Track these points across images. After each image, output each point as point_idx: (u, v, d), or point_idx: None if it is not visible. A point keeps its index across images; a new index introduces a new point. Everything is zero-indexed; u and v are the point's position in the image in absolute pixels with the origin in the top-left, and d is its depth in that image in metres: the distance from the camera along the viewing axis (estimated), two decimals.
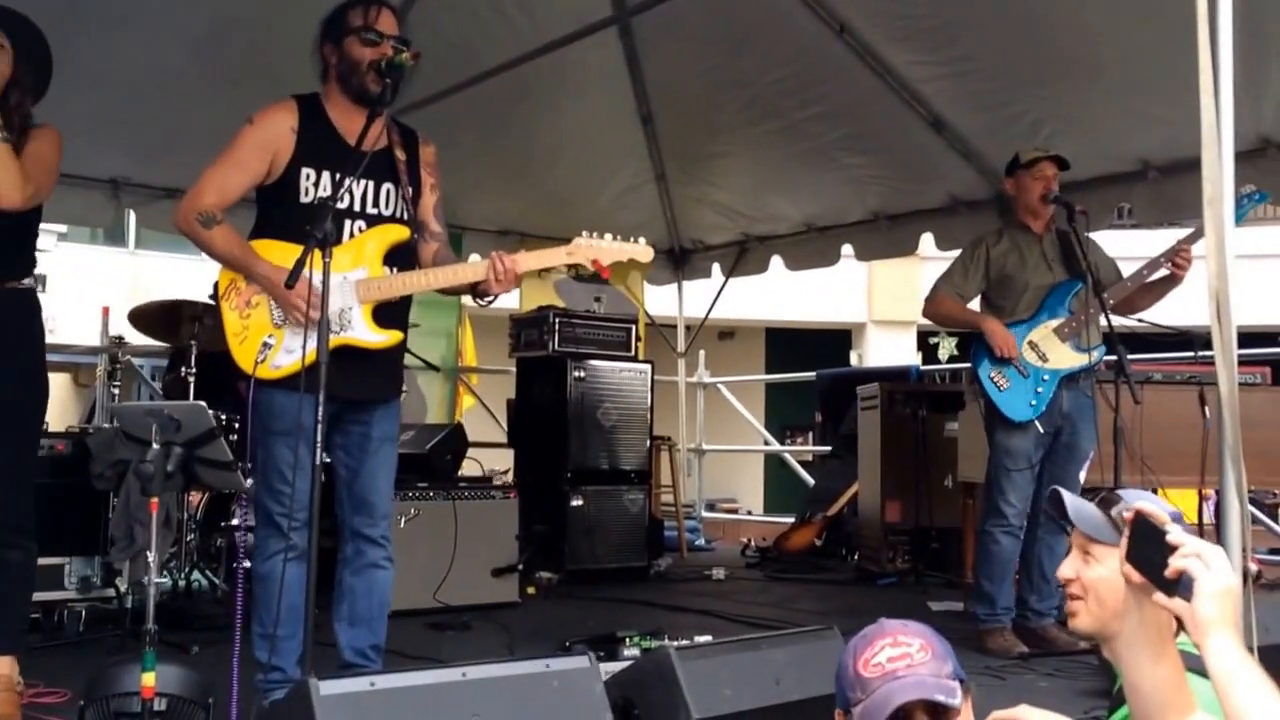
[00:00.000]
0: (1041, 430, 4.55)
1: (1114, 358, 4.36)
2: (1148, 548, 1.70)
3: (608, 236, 3.38)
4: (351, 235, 3.22)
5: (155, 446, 2.51)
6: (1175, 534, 1.69)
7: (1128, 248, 6.42)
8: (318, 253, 2.77)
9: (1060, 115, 5.80)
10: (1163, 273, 4.59)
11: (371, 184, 3.27)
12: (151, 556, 2.50)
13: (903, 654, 1.89)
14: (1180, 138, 5.45)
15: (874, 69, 6.08)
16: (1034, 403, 4.55)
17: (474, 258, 7.88)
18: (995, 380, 4.58)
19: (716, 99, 6.77)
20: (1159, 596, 1.68)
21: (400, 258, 3.29)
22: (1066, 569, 2.08)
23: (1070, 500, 2.09)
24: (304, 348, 2.85)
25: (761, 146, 7.05)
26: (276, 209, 3.22)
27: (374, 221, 3.29)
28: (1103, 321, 4.45)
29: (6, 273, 3.30)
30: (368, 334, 3.17)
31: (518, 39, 5.92)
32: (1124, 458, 4.27)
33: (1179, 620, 1.69)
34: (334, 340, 2.97)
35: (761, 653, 2.85)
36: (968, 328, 4.81)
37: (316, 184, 3.20)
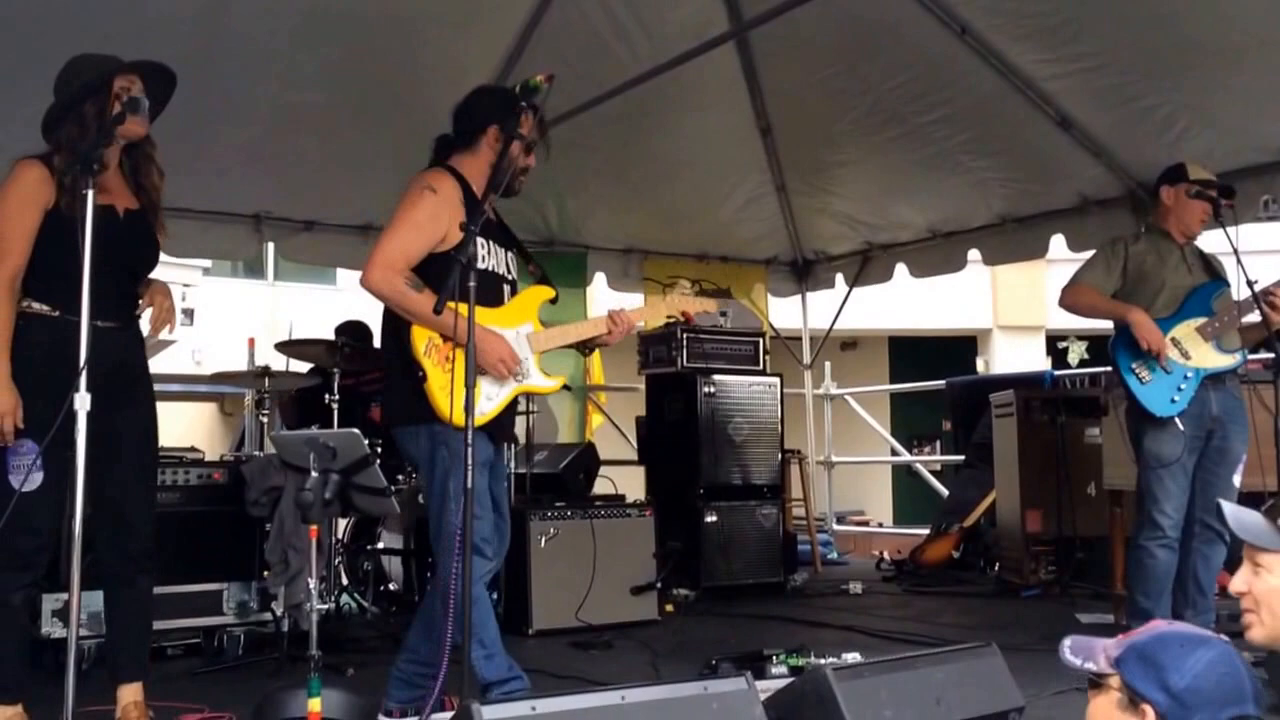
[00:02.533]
0: (1183, 428, 4.40)
1: (1271, 355, 4.20)
2: None
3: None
4: (504, 298, 3.51)
5: (314, 474, 2.57)
6: None
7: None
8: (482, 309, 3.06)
9: (1195, 107, 5.62)
10: (1254, 317, 4.43)
11: (503, 251, 3.55)
12: (313, 583, 2.57)
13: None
14: None
15: (998, 69, 5.97)
16: (1175, 399, 4.41)
17: (599, 277, 7.99)
18: (1137, 373, 4.46)
19: (836, 107, 6.71)
20: None
21: None
22: (1239, 582, 2.08)
23: (1229, 510, 2.07)
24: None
25: (883, 153, 6.96)
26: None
27: (511, 284, 3.58)
28: (1255, 317, 4.31)
29: (133, 310, 3.39)
30: (542, 380, 3.52)
31: (636, 58, 5.97)
32: None
33: None
34: (518, 388, 3.39)
35: (920, 672, 2.80)
36: (1109, 318, 4.66)
37: (489, 252, 3.44)
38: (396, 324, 3.34)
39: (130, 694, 3.28)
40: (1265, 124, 5.57)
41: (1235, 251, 4.36)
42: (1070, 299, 4.73)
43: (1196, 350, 4.46)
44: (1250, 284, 4.32)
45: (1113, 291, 4.66)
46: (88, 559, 2.88)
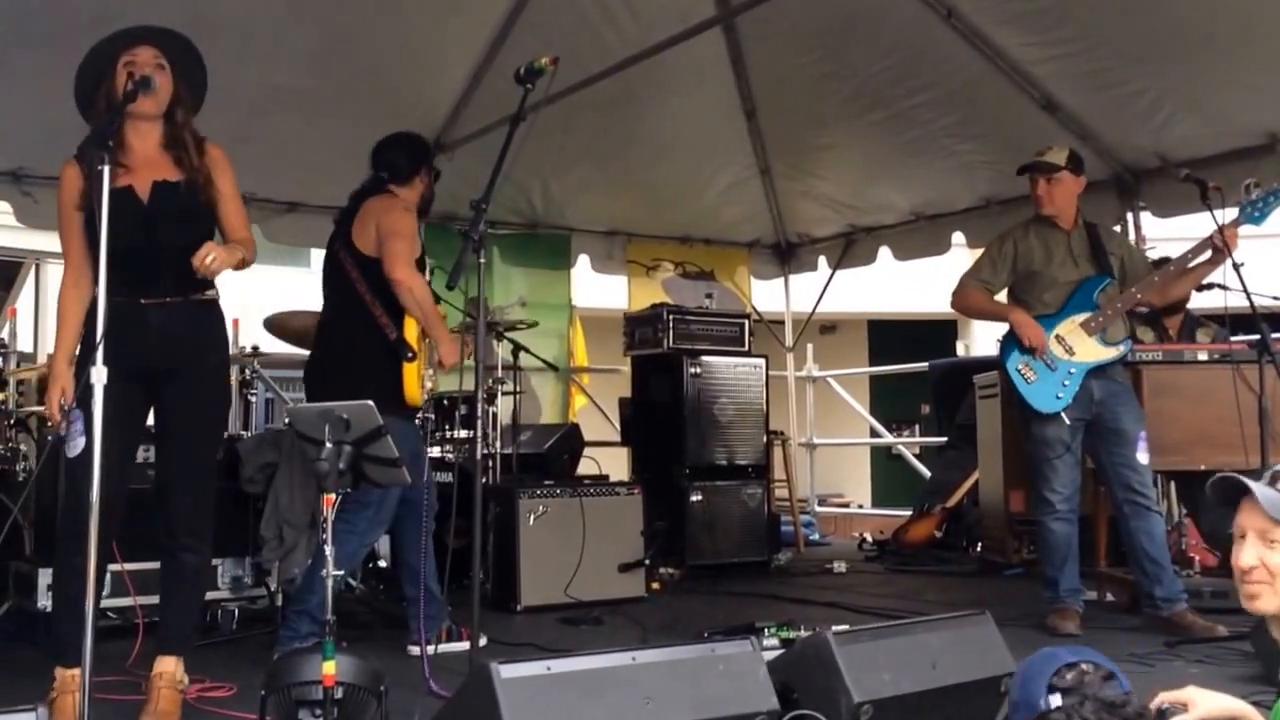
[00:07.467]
0: (1069, 421, 4.58)
1: (1257, 337, 4.31)
2: None
3: None
4: None
5: (328, 445, 2.61)
6: None
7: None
8: None
9: (1180, 91, 5.71)
10: (1205, 256, 4.59)
11: None
12: (329, 550, 2.61)
13: None
14: None
15: (983, 52, 6.05)
16: (1060, 395, 4.59)
17: (583, 259, 8.01)
18: (1023, 372, 4.65)
19: (820, 91, 6.77)
20: None
21: None
22: (1249, 557, 2.05)
23: (1259, 489, 2.04)
24: None
25: (867, 137, 7.02)
26: None
27: None
28: (1235, 300, 4.41)
29: (192, 285, 3.34)
30: None
31: (623, 41, 6.00)
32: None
33: None
34: None
35: (916, 637, 2.87)
36: (996, 319, 4.88)
37: None
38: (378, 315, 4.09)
39: (163, 665, 3.31)
40: (1248, 110, 5.66)
41: (1221, 229, 4.47)
42: (959, 302, 4.90)
43: (1081, 345, 4.64)
44: (1236, 266, 4.42)
45: (1001, 289, 4.84)
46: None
